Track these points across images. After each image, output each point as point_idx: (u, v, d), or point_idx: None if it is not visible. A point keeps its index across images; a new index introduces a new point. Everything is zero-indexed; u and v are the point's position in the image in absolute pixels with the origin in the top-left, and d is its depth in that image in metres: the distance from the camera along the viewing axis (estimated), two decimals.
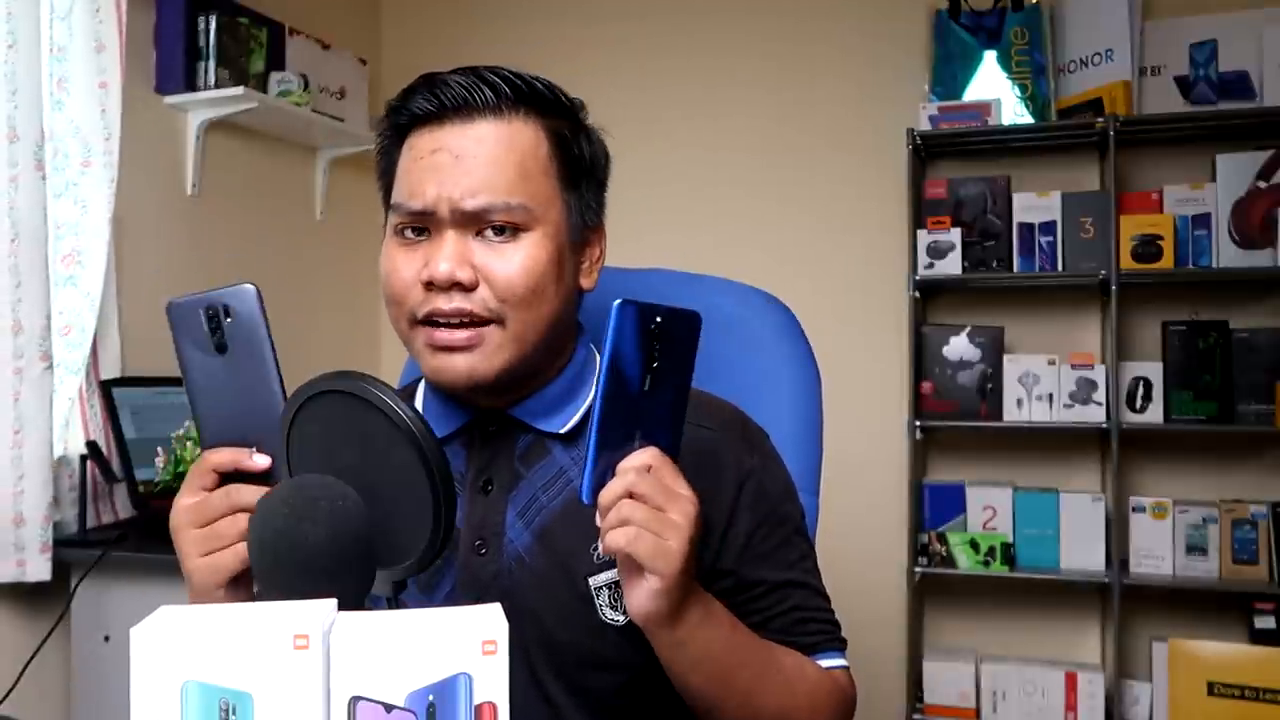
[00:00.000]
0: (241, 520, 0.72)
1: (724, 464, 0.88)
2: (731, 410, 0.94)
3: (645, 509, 0.69)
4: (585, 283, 0.92)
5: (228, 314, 0.74)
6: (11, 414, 1.81)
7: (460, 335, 0.83)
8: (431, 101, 0.85)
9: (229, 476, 0.75)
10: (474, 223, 0.84)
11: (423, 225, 0.85)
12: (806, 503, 1.02)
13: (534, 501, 0.88)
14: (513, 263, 0.83)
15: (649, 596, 0.71)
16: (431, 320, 0.84)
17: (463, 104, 0.84)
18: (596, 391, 0.70)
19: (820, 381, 1.17)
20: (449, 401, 0.91)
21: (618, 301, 0.69)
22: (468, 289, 0.83)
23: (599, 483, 0.70)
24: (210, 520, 0.74)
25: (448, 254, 0.82)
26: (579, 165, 0.89)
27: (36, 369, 1.84)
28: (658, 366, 0.71)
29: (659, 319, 0.70)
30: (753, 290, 1.21)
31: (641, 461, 0.70)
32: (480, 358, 0.84)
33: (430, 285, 0.83)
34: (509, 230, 0.84)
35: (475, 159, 0.83)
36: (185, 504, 0.76)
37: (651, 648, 0.85)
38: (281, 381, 0.74)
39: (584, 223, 0.91)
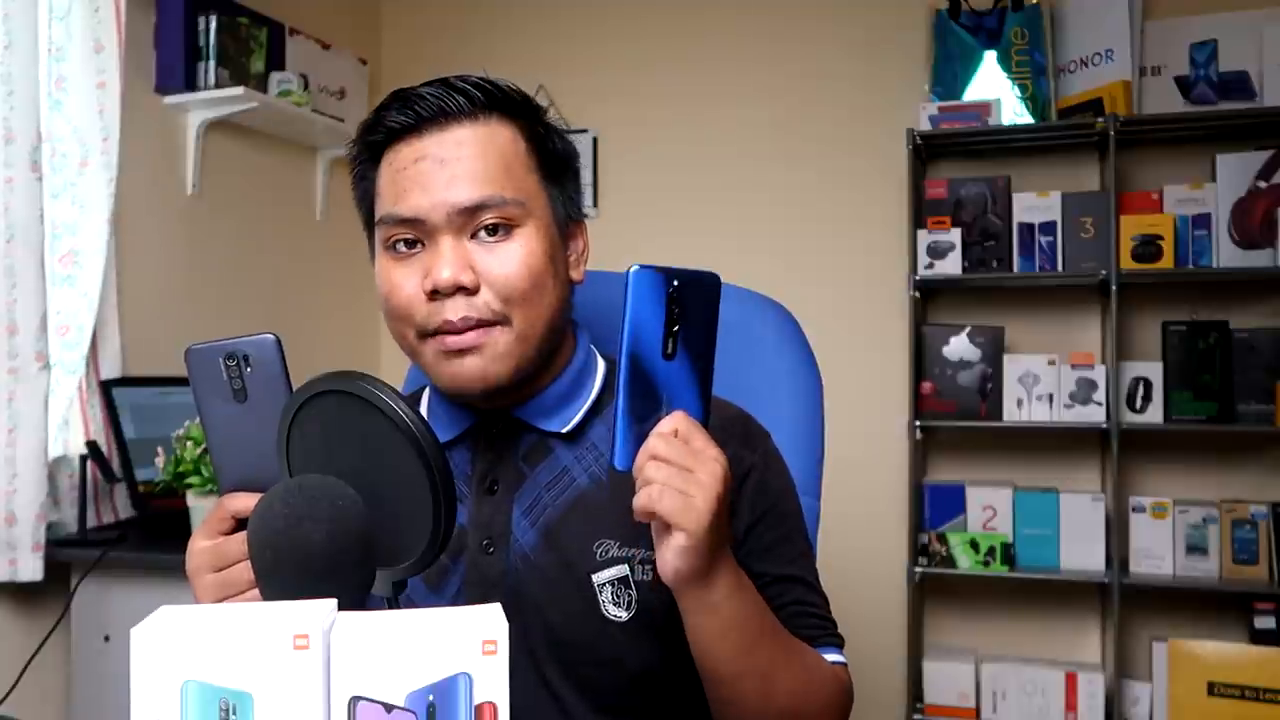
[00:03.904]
0: None
1: None
2: (735, 410, 0.95)
3: (669, 469, 0.69)
4: (575, 275, 0.93)
5: (248, 363, 0.74)
6: (6, 414, 1.82)
7: (470, 337, 0.84)
8: (407, 114, 0.85)
9: (245, 521, 0.75)
10: (468, 224, 0.84)
11: (415, 236, 0.85)
12: (808, 506, 1.02)
13: (538, 500, 0.89)
14: (510, 261, 0.84)
15: (677, 553, 0.71)
16: (440, 330, 0.84)
17: (438, 112, 0.85)
18: (619, 358, 0.69)
19: (821, 386, 1.17)
20: (454, 405, 0.92)
21: (634, 266, 0.69)
22: (471, 292, 0.83)
23: (631, 450, 0.70)
24: (227, 565, 0.75)
25: (448, 260, 0.83)
26: (555, 159, 0.91)
27: (32, 369, 1.85)
28: (679, 330, 0.70)
29: (676, 282, 0.70)
30: (753, 295, 1.21)
31: (669, 427, 0.70)
32: (491, 360, 0.84)
33: (434, 294, 0.83)
34: (502, 229, 0.85)
35: (459, 161, 0.84)
36: (202, 546, 0.76)
37: (655, 645, 0.85)
38: None
39: (568, 216, 0.92)
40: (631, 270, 0.69)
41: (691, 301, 0.71)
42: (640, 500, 0.70)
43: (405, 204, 0.84)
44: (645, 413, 0.70)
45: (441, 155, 0.84)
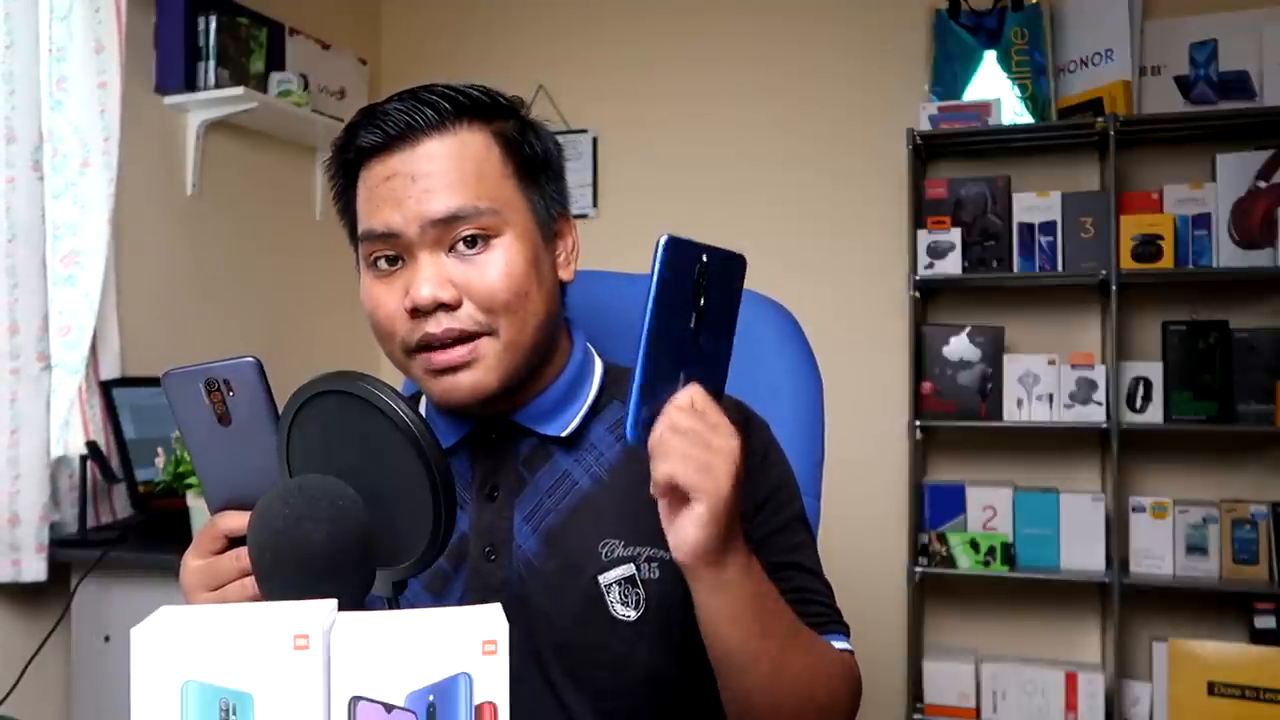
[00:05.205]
0: (251, 584, 0.73)
1: None
2: (734, 402, 0.94)
3: (689, 439, 0.68)
4: (564, 275, 0.92)
5: (229, 387, 0.73)
6: (8, 414, 1.82)
7: (457, 353, 0.83)
8: (375, 133, 0.84)
9: (237, 539, 0.75)
10: (445, 237, 0.83)
11: (395, 253, 0.85)
12: (808, 505, 1.02)
13: (540, 506, 0.88)
14: (491, 272, 0.83)
15: (694, 524, 0.69)
16: (425, 346, 0.84)
17: (406, 128, 0.84)
18: (641, 328, 0.68)
19: (821, 386, 1.17)
20: (451, 412, 0.91)
21: (663, 236, 0.68)
22: (452, 308, 0.83)
23: (645, 423, 0.69)
24: (221, 584, 0.75)
25: (426, 276, 0.82)
26: (533, 161, 0.89)
27: (34, 369, 1.85)
28: (703, 305, 0.69)
29: (706, 257, 0.69)
30: (753, 295, 1.20)
31: (685, 400, 0.69)
32: (482, 372, 0.84)
33: (415, 311, 0.83)
34: (480, 240, 0.83)
35: (430, 175, 0.83)
36: (195, 565, 0.76)
37: (664, 644, 0.84)
38: None
39: (551, 216, 0.90)
40: (662, 239, 0.67)
41: (718, 278, 0.70)
42: (662, 469, 0.68)
43: (379, 219, 0.84)
44: (661, 385, 0.69)
45: (412, 171, 0.83)
